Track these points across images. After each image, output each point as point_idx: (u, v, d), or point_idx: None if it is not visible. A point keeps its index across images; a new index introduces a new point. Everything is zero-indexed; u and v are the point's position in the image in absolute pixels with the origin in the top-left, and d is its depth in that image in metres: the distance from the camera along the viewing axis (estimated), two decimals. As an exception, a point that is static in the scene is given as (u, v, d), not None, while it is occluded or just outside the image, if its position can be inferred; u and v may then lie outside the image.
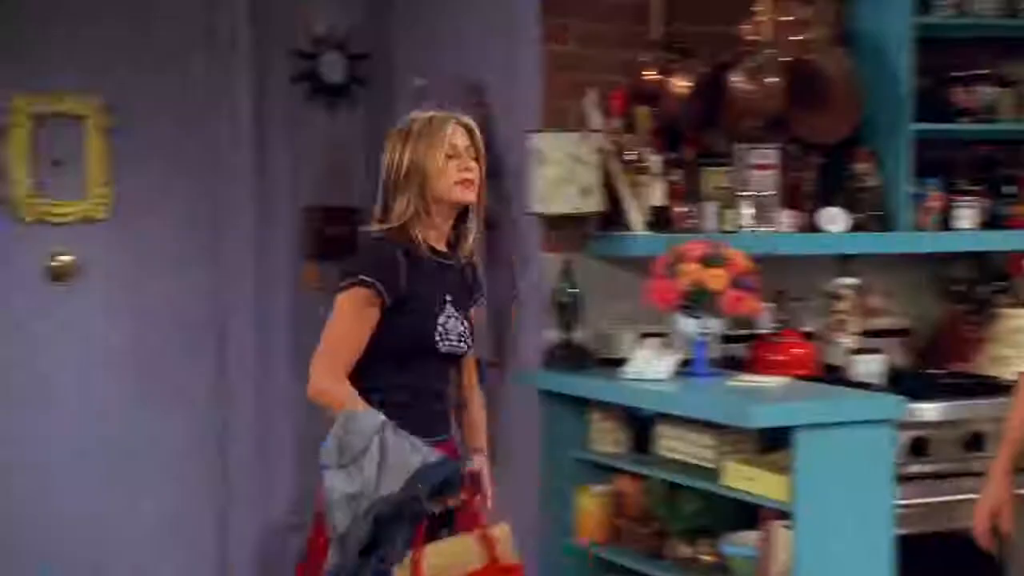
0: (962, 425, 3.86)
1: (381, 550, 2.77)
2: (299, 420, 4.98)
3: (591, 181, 3.93)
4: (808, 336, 4.15)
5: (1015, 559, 3.21)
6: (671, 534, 3.72)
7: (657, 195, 3.98)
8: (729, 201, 4.06)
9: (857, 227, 4.12)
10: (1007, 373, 4.06)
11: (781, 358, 4.02)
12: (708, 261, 3.67)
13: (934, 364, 4.31)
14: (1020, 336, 4.20)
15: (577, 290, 4.01)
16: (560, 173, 3.92)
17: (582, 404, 4.01)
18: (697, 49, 4.12)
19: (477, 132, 3.12)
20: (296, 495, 5.11)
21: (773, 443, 3.45)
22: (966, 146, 4.42)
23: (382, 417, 2.85)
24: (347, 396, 2.90)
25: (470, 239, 3.13)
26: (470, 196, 3.07)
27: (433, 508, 2.83)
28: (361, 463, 2.79)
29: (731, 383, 3.67)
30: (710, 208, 4.04)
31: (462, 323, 3.08)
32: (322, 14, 5.17)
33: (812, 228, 4.13)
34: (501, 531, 3.01)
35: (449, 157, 3.02)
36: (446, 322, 3.03)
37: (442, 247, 3.09)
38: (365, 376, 2.96)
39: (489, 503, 3.15)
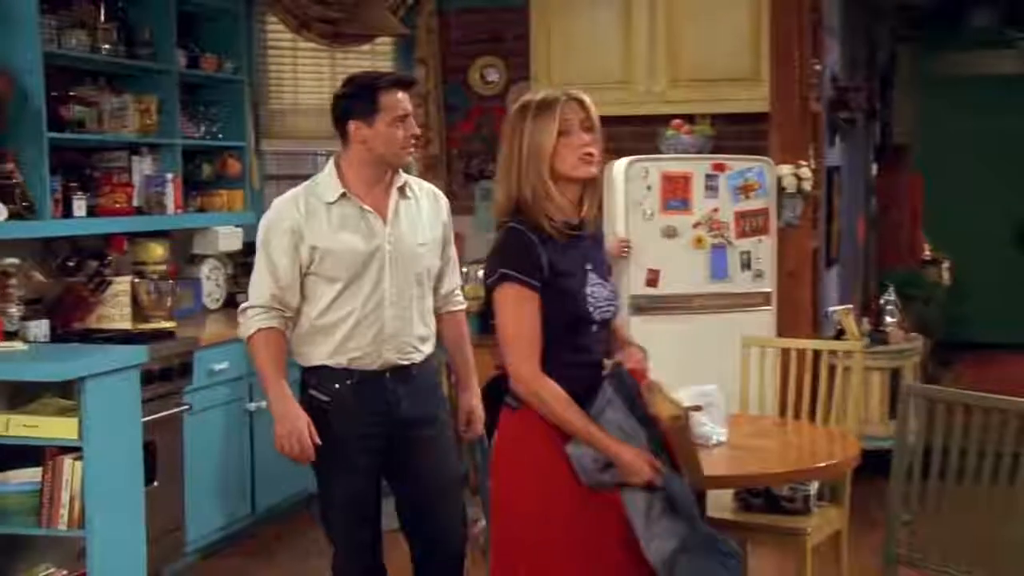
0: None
1: None
2: None
3: None
4: (-9, 309, 4.83)
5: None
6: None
7: None
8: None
9: (13, 216, 4.88)
10: (119, 325, 5.31)
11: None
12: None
13: (64, 324, 5.25)
14: (121, 298, 5.43)
15: None
16: None
17: None
18: None
19: (590, 105, 3.14)
20: None
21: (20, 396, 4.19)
22: (72, 151, 5.42)
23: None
24: (565, 407, 3.06)
25: (594, 209, 3.19)
26: (591, 170, 3.12)
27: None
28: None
29: (-2, 350, 4.33)
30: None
31: (606, 288, 3.20)
32: None
33: (-25, 217, 4.80)
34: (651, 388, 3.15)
35: (562, 134, 3.07)
36: (593, 291, 3.14)
37: (573, 220, 3.13)
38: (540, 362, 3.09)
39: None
